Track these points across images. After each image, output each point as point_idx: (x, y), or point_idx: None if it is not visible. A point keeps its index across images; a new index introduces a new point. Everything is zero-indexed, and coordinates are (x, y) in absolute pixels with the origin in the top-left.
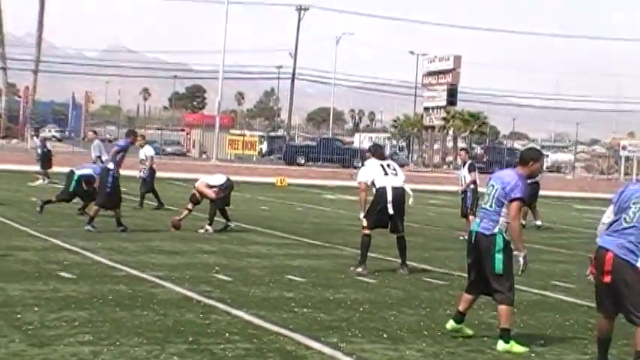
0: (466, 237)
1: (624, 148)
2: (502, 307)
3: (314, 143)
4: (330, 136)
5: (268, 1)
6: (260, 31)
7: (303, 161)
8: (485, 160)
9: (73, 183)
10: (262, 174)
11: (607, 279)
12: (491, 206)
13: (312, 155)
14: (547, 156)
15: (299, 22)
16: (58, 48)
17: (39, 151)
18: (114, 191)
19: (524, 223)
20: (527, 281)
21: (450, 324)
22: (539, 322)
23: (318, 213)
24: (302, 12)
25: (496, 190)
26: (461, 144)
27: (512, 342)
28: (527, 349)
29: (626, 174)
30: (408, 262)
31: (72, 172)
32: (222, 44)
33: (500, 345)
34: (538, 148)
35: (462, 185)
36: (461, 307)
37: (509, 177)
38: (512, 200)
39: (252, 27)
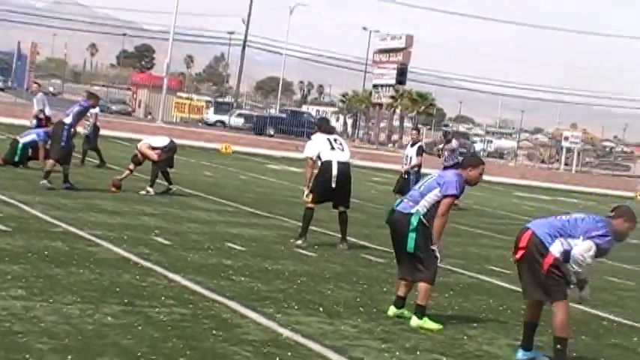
0: None
1: (566, 138)
2: (421, 285)
3: (284, 115)
4: (292, 107)
5: None
6: None
7: (272, 132)
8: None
9: (19, 152)
10: (208, 139)
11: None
12: (419, 188)
13: (282, 127)
14: (491, 142)
15: None
16: None
17: None
18: (68, 145)
19: (460, 205)
20: (463, 264)
21: (392, 310)
22: (474, 305)
23: (261, 182)
24: None
25: (432, 178)
26: (407, 124)
27: (425, 318)
28: (441, 327)
29: (566, 164)
30: (348, 238)
31: (16, 141)
32: (175, 5)
33: (414, 321)
34: (480, 157)
35: (406, 164)
36: (400, 292)
37: (448, 173)
38: (445, 196)
39: None
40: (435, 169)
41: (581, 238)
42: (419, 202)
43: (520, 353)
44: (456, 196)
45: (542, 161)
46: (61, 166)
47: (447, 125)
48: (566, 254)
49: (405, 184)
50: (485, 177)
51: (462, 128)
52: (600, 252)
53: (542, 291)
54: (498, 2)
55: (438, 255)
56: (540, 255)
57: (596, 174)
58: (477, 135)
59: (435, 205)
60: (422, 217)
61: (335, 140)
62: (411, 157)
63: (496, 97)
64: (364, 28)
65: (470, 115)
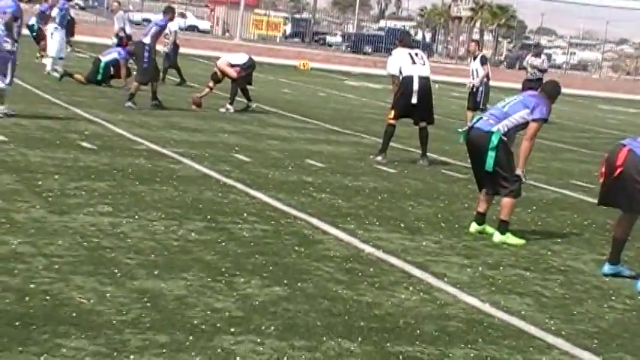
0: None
1: None
2: (504, 200)
3: (381, 33)
4: (389, 25)
5: None
6: None
7: (370, 50)
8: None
9: (101, 71)
10: (285, 56)
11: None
12: (503, 107)
13: (379, 45)
14: (574, 54)
15: None
16: None
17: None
18: (150, 65)
19: None
20: (546, 179)
21: (473, 226)
22: (557, 220)
23: (340, 99)
24: None
25: (517, 100)
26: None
27: (508, 234)
28: (524, 242)
29: None
30: (428, 154)
31: (98, 60)
32: None
33: (497, 236)
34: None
35: (473, 79)
36: (480, 208)
37: (534, 96)
38: (534, 120)
39: None
40: (501, 82)
41: None
42: (501, 121)
43: (606, 267)
44: (545, 121)
45: (628, 73)
46: (150, 84)
47: (527, 38)
48: None
49: (474, 98)
50: (567, 90)
51: (543, 40)
52: None
53: (635, 208)
54: None
55: (523, 178)
56: (639, 174)
57: None
58: (558, 47)
59: (517, 126)
60: (502, 136)
61: (416, 54)
62: (476, 70)
63: (579, 7)
64: None
65: (552, 27)
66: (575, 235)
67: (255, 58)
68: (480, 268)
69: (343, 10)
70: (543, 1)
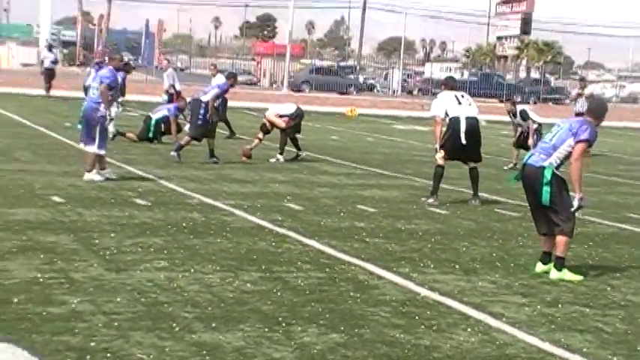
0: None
1: None
2: (559, 238)
3: (475, 78)
4: (489, 71)
5: None
6: None
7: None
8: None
9: (152, 128)
10: (333, 103)
11: None
12: (550, 140)
13: (472, 90)
14: (624, 86)
15: None
16: None
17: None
18: (205, 123)
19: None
20: (601, 213)
21: (539, 266)
22: (615, 254)
23: (388, 143)
24: None
25: (562, 128)
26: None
27: (564, 270)
28: (582, 278)
29: None
30: (480, 194)
31: (148, 118)
32: None
33: (554, 273)
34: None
35: (516, 134)
36: (545, 247)
37: (577, 121)
38: (578, 142)
39: None
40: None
41: None
42: (551, 155)
43: None
44: (589, 142)
45: None
46: (206, 141)
47: (575, 73)
48: None
49: (524, 139)
50: (618, 123)
51: (592, 75)
52: None
53: None
54: None
55: (581, 204)
56: None
57: None
58: (607, 81)
59: (569, 156)
60: (555, 169)
61: (462, 96)
62: (525, 126)
63: (626, 39)
64: None
65: (600, 61)
66: (635, 269)
67: (304, 107)
68: (539, 307)
69: (388, 55)
70: (590, 36)
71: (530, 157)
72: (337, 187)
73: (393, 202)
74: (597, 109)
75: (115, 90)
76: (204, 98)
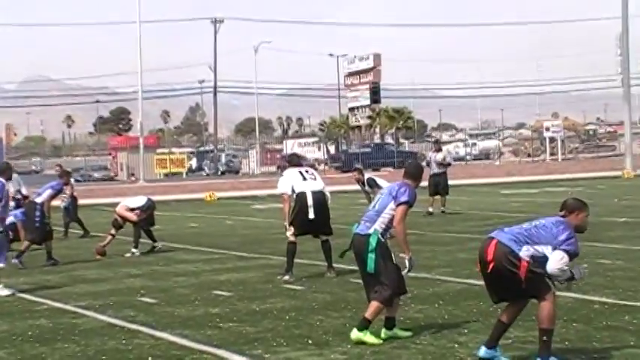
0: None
1: (547, 129)
2: (373, 302)
3: (369, 149)
4: (380, 142)
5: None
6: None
7: (360, 166)
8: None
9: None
10: (192, 190)
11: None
12: (374, 207)
13: (369, 161)
14: (475, 144)
15: (215, 34)
16: None
17: None
18: (42, 225)
19: (431, 210)
20: (453, 271)
21: (384, 332)
22: (463, 310)
23: (247, 224)
24: (217, 25)
25: (383, 194)
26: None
27: (366, 331)
28: (380, 342)
29: (552, 154)
30: (334, 265)
31: None
32: (139, 64)
33: (354, 333)
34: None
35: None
36: (387, 313)
37: (397, 184)
38: (398, 204)
39: (172, 43)
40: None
41: (549, 247)
42: (376, 221)
43: (482, 351)
44: (409, 204)
45: (529, 155)
46: (44, 244)
47: (429, 135)
48: (534, 259)
49: None
50: (471, 180)
51: (445, 136)
52: (572, 256)
53: (525, 295)
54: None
55: (412, 264)
56: (512, 265)
57: (582, 159)
58: (460, 140)
59: (392, 220)
60: (380, 235)
61: (306, 171)
62: (368, 193)
63: (474, 99)
64: (330, 54)
65: (451, 122)
66: (482, 323)
67: (163, 197)
68: None
69: (246, 136)
70: (439, 99)
71: (357, 226)
72: (194, 275)
73: (249, 283)
74: (414, 171)
75: (2, 200)
76: (39, 200)
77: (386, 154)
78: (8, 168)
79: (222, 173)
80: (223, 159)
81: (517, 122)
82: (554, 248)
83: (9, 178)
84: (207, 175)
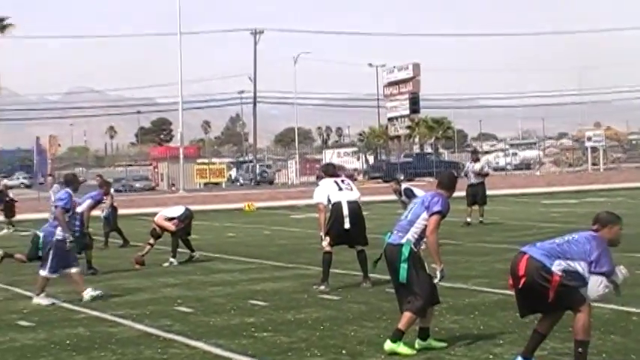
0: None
1: (589, 138)
2: (405, 313)
3: (410, 159)
4: (421, 151)
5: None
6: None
7: (402, 177)
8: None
9: (40, 246)
10: (231, 200)
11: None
12: (406, 217)
13: (410, 170)
14: (515, 154)
15: (255, 45)
16: (21, 95)
17: None
18: (81, 235)
19: (469, 220)
20: (489, 282)
21: (418, 343)
22: (499, 321)
23: (285, 234)
24: (257, 36)
25: (416, 204)
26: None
27: (399, 342)
28: (414, 352)
29: (594, 164)
30: (370, 275)
31: (36, 236)
32: (179, 76)
33: (387, 344)
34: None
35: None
36: (421, 324)
37: (430, 194)
38: (431, 214)
39: (216, 54)
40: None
41: (582, 263)
42: (409, 231)
43: None
44: (442, 214)
45: (570, 165)
46: (84, 253)
47: (469, 145)
48: (567, 273)
49: None
50: (511, 190)
51: (486, 146)
52: (609, 274)
53: (559, 308)
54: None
55: (443, 274)
56: (544, 279)
57: (625, 169)
58: (500, 150)
59: (425, 230)
60: (412, 245)
61: (342, 181)
62: (405, 204)
63: (515, 109)
64: (370, 65)
65: (492, 132)
66: (517, 334)
67: (202, 207)
68: None
69: (286, 146)
70: (480, 109)
71: (390, 236)
72: (230, 284)
73: (285, 292)
74: (447, 181)
75: (70, 211)
76: (79, 209)
77: (427, 164)
78: (75, 180)
79: (258, 183)
80: (257, 169)
81: (559, 132)
82: (587, 264)
83: (75, 190)
84: (241, 185)
